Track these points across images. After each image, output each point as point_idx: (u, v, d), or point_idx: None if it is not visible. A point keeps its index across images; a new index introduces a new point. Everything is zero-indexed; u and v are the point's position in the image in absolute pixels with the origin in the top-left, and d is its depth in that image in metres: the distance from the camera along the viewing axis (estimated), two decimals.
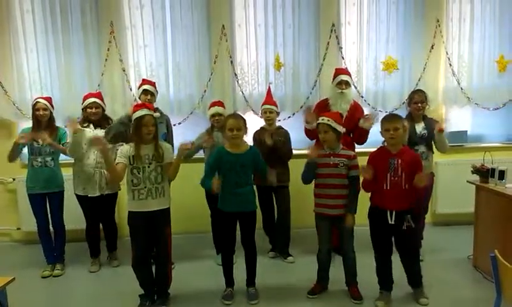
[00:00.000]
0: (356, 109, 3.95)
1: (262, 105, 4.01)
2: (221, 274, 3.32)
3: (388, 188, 2.96)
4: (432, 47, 4.68)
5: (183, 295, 3.35)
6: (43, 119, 3.72)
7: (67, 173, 3.91)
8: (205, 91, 4.63)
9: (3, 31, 4.46)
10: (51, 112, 3.80)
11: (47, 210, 3.85)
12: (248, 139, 3.48)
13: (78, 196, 3.83)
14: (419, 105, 3.79)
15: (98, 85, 4.51)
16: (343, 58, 4.70)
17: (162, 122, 3.71)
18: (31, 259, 4.16)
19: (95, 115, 3.78)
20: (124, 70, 4.57)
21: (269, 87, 4.24)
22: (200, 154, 3.93)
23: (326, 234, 3.23)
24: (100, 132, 3.72)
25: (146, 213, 2.98)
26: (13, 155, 3.73)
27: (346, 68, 4.52)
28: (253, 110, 4.62)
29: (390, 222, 2.95)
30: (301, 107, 4.64)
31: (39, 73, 4.54)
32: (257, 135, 3.95)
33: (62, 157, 3.87)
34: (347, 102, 3.88)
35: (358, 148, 3.94)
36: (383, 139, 3.07)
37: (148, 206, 2.98)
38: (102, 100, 3.88)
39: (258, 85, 4.70)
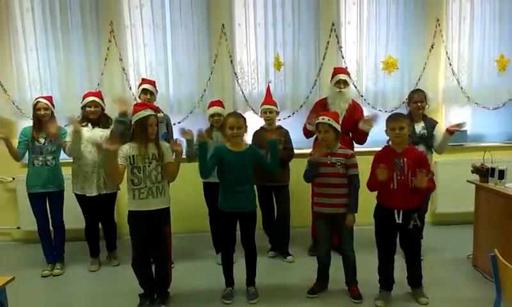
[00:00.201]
0: (354, 109, 3.95)
1: (262, 105, 4.00)
2: (220, 273, 3.33)
3: (396, 187, 2.96)
4: (432, 47, 4.68)
5: (183, 294, 3.35)
6: (44, 119, 3.72)
7: (67, 173, 3.90)
8: (204, 90, 4.63)
9: (3, 29, 4.46)
10: (52, 112, 3.79)
11: (47, 209, 3.85)
12: (248, 139, 3.48)
13: (76, 195, 3.82)
14: (419, 104, 3.79)
15: (98, 84, 4.51)
16: (343, 57, 4.70)
17: (162, 121, 3.70)
18: (30, 258, 4.15)
19: (93, 114, 3.77)
20: (124, 69, 4.57)
21: (268, 86, 4.22)
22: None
23: (325, 233, 3.23)
24: (99, 131, 3.73)
25: (146, 212, 2.98)
26: (11, 152, 3.68)
27: (346, 67, 4.53)
28: (252, 110, 4.62)
29: (397, 221, 2.96)
30: (301, 107, 4.65)
31: (38, 72, 4.54)
32: (257, 135, 3.94)
33: (62, 155, 3.86)
34: (345, 101, 3.88)
35: (358, 148, 3.95)
36: (387, 138, 3.07)
37: (148, 205, 2.98)
38: (101, 99, 3.86)
39: (258, 84, 4.70)
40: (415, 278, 3.16)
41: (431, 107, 4.11)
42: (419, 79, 4.67)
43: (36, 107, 3.72)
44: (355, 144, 4.01)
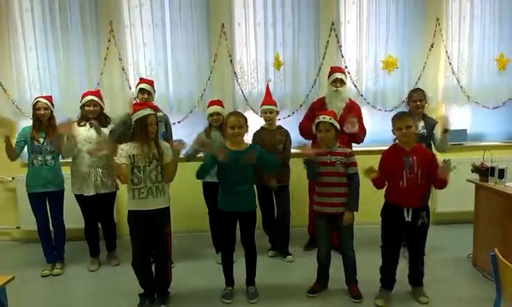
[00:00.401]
0: (352, 108, 3.95)
1: (262, 105, 3.99)
2: (220, 272, 3.32)
3: (405, 185, 2.96)
4: (432, 46, 4.67)
5: (183, 294, 3.35)
6: (43, 119, 3.72)
7: (67, 172, 3.90)
8: (204, 89, 4.63)
9: (2, 29, 4.46)
10: (52, 111, 3.78)
11: (47, 209, 3.85)
12: (248, 139, 3.48)
13: (75, 195, 3.82)
14: (418, 103, 3.80)
15: (98, 84, 4.50)
16: (343, 57, 4.69)
17: (161, 121, 3.70)
18: (30, 258, 4.15)
19: (92, 113, 3.77)
20: (123, 69, 4.56)
21: (268, 85, 4.20)
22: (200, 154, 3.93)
23: (325, 233, 3.23)
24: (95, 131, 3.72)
25: (146, 212, 2.98)
26: (8, 151, 3.67)
27: (346, 66, 4.52)
28: (252, 109, 4.62)
29: (406, 219, 2.96)
30: (301, 106, 4.64)
31: (38, 72, 4.54)
32: (257, 135, 3.94)
33: None
34: (342, 100, 3.88)
35: (356, 147, 3.95)
36: (394, 136, 3.08)
37: (148, 205, 2.98)
38: (100, 98, 3.86)
39: (258, 84, 4.69)
40: (416, 276, 3.16)
41: (430, 106, 4.11)
42: (419, 78, 4.67)
43: (35, 107, 3.71)
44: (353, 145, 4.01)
